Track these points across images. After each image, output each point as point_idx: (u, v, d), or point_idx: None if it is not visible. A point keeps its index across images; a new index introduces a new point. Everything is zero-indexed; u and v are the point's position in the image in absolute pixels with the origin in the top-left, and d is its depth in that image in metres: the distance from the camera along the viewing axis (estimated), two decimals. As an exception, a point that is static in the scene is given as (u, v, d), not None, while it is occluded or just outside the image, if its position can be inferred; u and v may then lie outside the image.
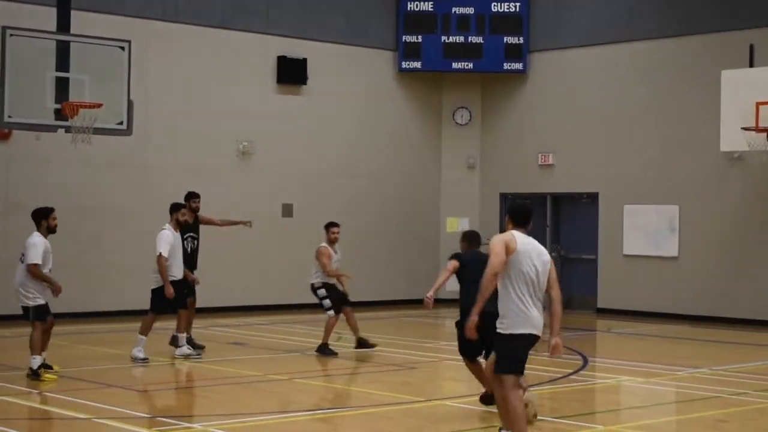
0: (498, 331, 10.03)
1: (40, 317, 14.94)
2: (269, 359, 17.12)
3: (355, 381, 15.48)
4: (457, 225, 28.02)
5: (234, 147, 24.93)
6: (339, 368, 16.26)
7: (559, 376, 15.48)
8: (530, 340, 9.94)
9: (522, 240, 10.05)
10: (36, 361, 14.81)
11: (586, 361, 17.26)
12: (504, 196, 27.62)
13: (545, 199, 27.09)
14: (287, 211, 25.75)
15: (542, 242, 24.21)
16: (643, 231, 25.23)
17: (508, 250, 9.91)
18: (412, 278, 27.60)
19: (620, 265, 25.69)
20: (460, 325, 12.90)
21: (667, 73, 25.01)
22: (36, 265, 14.77)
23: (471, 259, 13.32)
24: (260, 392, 14.23)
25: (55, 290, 15.03)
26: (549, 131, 26.99)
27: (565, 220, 27.35)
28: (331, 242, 18.00)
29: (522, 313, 9.87)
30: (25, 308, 15.04)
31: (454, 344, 19.75)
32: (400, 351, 18.23)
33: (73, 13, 18.32)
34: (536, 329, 9.90)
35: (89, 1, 21.41)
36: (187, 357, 16.61)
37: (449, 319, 25.08)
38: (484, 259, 11.88)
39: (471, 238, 13.81)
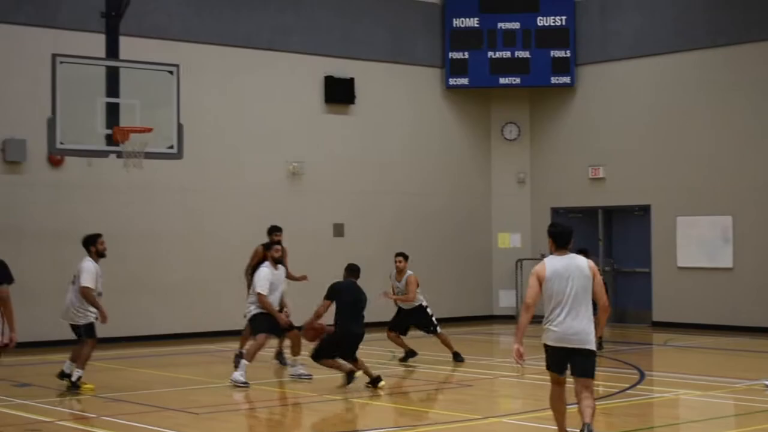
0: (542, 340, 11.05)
1: (91, 334, 15.68)
2: (325, 379, 17.09)
3: (411, 399, 15.42)
4: (508, 240, 27.96)
5: (284, 167, 24.98)
6: (394, 387, 16.21)
7: (616, 390, 15.35)
8: (560, 351, 10.84)
9: (553, 265, 10.87)
10: (78, 373, 15.62)
11: (642, 375, 17.12)
12: (555, 211, 27.48)
13: (597, 213, 26.95)
14: (338, 230, 25.76)
15: (595, 256, 24.07)
16: (696, 242, 25.02)
17: (540, 280, 10.84)
18: (464, 295, 27.57)
19: (674, 277, 25.48)
20: (332, 340, 15.85)
21: (717, 82, 24.82)
22: (88, 288, 15.40)
23: (344, 290, 16.08)
24: (316, 412, 14.21)
25: (102, 318, 15.63)
26: (599, 144, 26.85)
27: (617, 233, 27.17)
28: (397, 271, 19.27)
29: (552, 330, 10.83)
30: (76, 327, 15.71)
31: (510, 361, 19.70)
32: (454, 368, 18.17)
33: (121, 38, 18.49)
34: (564, 343, 10.78)
35: (137, 26, 21.55)
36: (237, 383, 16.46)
37: (504, 335, 25.02)
38: (353, 289, 16.11)
39: (351, 270, 16.53)
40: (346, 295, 16.01)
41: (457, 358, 18.86)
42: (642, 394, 15.46)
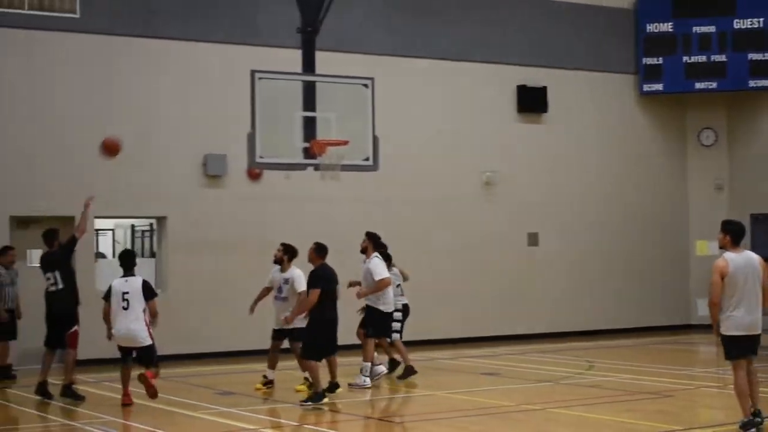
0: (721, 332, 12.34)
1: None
2: (522, 389, 17.04)
3: (611, 410, 15.21)
4: (707, 248, 27.39)
5: (478, 177, 25.01)
6: (593, 397, 16.05)
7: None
8: (745, 339, 12.16)
9: (734, 261, 12.19)
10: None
11: None
12: (755, 217, 26.73)
13: (799, 220, 26.20)
14: (533, 240, 25.65)
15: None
16: None
17: (723, 276, 12.11)
18: (662, 303, 27.15)
19: None
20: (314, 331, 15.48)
21: None
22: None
23: (326, 278, 15.59)
24: (513, 422, 14.15)
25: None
26: (801, 148, 26.10)
27: (820, 240, 26.33)
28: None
29: (734, 319, 12.16)
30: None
31: (711, 371, 19.28)
32: (654, 378, 17.90)
33: (317, 53, 18.83)
34: (747, 331, 12.17)
35: (332, 41, 21.86)
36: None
37: (703, 345, 24.51)
38: (334, 274, 15.69)
39: (323, 250, 16.02)
40: (332, 282, 15.77)
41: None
42: None
